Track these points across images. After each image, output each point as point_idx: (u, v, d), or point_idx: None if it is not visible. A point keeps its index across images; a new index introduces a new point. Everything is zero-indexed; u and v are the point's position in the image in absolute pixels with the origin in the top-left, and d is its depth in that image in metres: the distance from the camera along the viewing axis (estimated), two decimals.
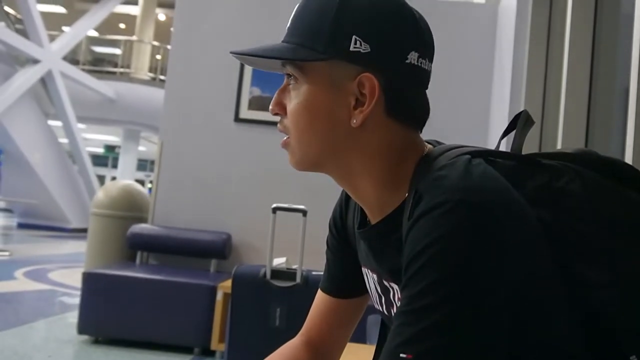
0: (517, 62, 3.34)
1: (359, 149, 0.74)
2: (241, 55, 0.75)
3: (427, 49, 0.76)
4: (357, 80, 0.72)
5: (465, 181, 0.63)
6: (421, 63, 0.75)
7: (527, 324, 0.62)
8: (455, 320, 0.57)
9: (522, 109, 3.23)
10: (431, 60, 0.77)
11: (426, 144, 0.79)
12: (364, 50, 0.71)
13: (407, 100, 0.75)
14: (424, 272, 0.60)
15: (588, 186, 0.70)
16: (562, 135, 2.61)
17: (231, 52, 0.78)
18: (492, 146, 0.85)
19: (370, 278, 0.84)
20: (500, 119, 3.55)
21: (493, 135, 3.72)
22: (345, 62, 0.71)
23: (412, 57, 0.73)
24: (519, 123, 0.79)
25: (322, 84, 0.73)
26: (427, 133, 0.81)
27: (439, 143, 0.80)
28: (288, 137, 0.77)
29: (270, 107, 0.77)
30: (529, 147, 3.20)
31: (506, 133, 0.82)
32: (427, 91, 0.80)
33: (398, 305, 0.75)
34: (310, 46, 0.72)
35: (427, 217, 0.62)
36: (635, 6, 1.88)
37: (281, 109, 0.76)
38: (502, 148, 0.79)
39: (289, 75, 0.75)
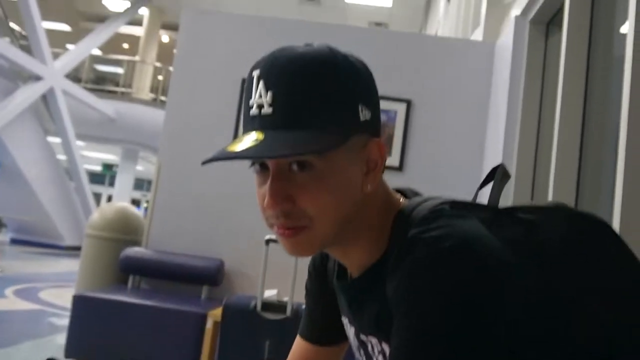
0: (512, 100, 3.39)
1: (365, 213, 0.72)
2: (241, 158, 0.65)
3: None
4: (366, 147, 0.71)
5: (452, 231, 0.63)
6: None
7: None
8: None
9: (516, 144, 3.28)
10: None
11: (398, 194, 0.79)
12: (368, 117, 0.70)
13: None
14: (410, 325, 0.60)
15: (564, 241, 0.71)
16: (554, 173, 2.63)
17: (229, 158, 0.65)
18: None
19: (349, 330, 0.83)
20: (495, 155, 3.57)
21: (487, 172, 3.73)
22: (357, 134, 0.69)
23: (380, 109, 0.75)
24: (496, 176, 0.80)
25: (340, 161, 0.68)
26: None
27: (411, 191, 0.81)
28: (300, 227, 0.69)
29: (278, 204, 0.67)
30: (524, 181, 3.23)
31: (483, 185, 0.83)
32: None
33: (378, 358, 0.75)
34: (329, 128, 0.66)
35: (416, 268, 0.62)
36: (626, 48, 1.92)
37: (289, 200, 0.67)
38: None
39: (300, 164, 0.67)
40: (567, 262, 0.70)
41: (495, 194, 0.78)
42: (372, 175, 0.72)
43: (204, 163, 0.68)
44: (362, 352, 0.80)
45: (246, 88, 0.70)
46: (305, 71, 0.67)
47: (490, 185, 0.81)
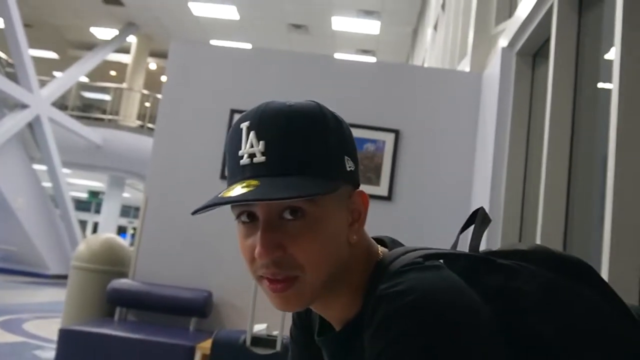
0: (499, 131, 3.41)
1: (348, 265, 0.73)
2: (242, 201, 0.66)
3: None
4: (351, 198, 0.73)
5: (419, 285, 0.64)
6: None
7: None
8: None
9: (504, 176, 3.30)
10: None
11: (378, 245, 0.79)
12: (352, 168, 0.73)
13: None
14: None
15: (543, 286, 0.71)
16: (542, 206, 2.64)
17: (227, 203, 0.66)
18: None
19: None
20: (483, 184, 3.59)
21: (475, 205, 3.74)
22: (344, 184, 0.71)
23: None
24: (477, 220, 0.81)
25: (330, 209, 0.69)
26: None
27: (392, 241, 0.81)
28: (289, 277, 0.68)
29: (269, 253, 0.67)
30: (512, 215, 3.24)
31: (464, 228, 0.84)
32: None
33: None
34: (321, 175, 0.68)
35: (382, 324, 0.63)
36: (613, 78, 1.95)
37: (280, 249, 0.68)
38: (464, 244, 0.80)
39: (292, 211, 0.67)
40: (546, 308, 0.70)
41: (476, 239, 0.79)
42: (357, 226, 0.73)
43: (194, 212, 0.70)
44: None
45: (231, 140, 0.72)
46: (296, 122, 0.69)
47: (471, 229, 0.82)
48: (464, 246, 0.81)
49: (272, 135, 0.68)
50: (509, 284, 0.71)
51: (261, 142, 0.67)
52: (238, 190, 0.66)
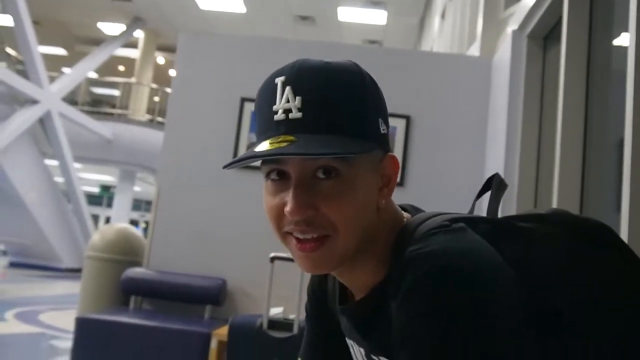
0: (511, 115, 3.40)
1: (376, 230, 0.72)
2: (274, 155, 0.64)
3: None
4: (382, 162, 0.72)
5: (448, 247, 0.64)
6: None
7: None
8: None
9: (517, 160, 3.29)
10: None
11: (402, 211, 0.78)
12: (385, 132, 0.72)
13: None
14: (415, 342, 0.60)
15: (564, 252, 0.71)
16: (557, 187, 2.64)
17: (265, 157, 0.65)
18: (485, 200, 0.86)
19: (356, 351, 0.81)
20: (496, 169, 3.58)
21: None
22: (378, 147, 0.70)
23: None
24: (493, 186, 0.80)
25: (364, 171, 0.68)
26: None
27: (414, 207, 0.80)
28: (321, 237, 0.67)
29: (300, 211, 0.66)
30: (526, 197, 3.23)
31: (480, 195, 0.83)
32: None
33: None
34: (357, 135, 0.67)
35: (413, 288, 0.62)
36: (628, 61, 1.93)
37: (312, 208, 0.66)
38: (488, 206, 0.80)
39: (326, 170, 0.66)
40: (565, 274, 0.70)
41: (494, 204, 0.79)
42: (387, 191, 0.72)
43: (226, 166, 0.68)
44: None
45: (263, 94, 0.70)
46: (334, 80, 0.67)
47: (487, 196, 0.81)
48: (480, 213, 0.80)
49: (310, 91, 0.66)
50: (529, 249, 0.70)
51: (297, 98, 0.66)
52: (271, 144, 0.65)
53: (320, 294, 0.89)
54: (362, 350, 0.79)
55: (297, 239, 0.68)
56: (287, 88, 0.67)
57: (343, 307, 0.79)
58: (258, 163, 0.68)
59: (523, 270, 0.67)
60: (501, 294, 0.62)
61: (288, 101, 0.66)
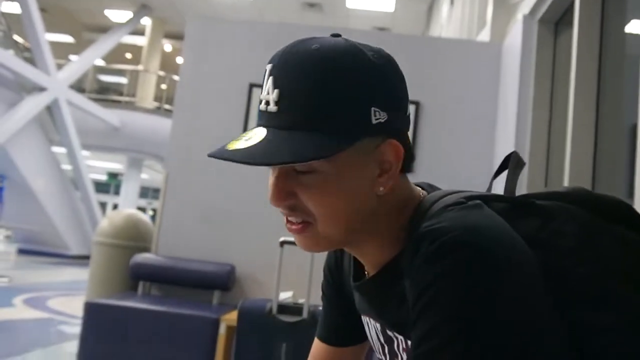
0: (522, 100, 3.38)
1: (379, 214, 0.71)
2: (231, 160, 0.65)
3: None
4: (379, 149, 0.69)
5: (463, 222, 0.63)
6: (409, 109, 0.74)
7: None
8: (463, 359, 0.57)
9: (528, 146, 3.27)
10: None
11: (419, 189, 0.77)
12: (383, 119, 0.67)
13: (411, 151, 0.74)
14: (428, 315, 0.60)
15: (583, 227, 0.70)
16: (568, 174, 2.62)
17: (223, 158, 0.66)
18: (495, 184, 0.85)
19: (372, 327, 0.81)
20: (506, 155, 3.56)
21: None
22: (368, 137, 0.67)
23: (408, 107, 0.73)
24: (510, 165, 0.79)
25: (348, 163, 0.67)
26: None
27: (430, 186, 0.80)
28: (304, 222, 0.69)
29: (280, 201, 0.68)
30: (536, 185, 3.21)
31: (497, 174, 0.82)
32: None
33: (402, 356, 0.74)
34: (331, 131, 0.65)
35: (426, 261, 0.61)
36: None
37: (293, 197, 0.68)
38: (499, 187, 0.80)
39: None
40: (584, 251, 0.69)
41: (511, 183, 0.78)
42: (386, 177, 0.70)
43: (210, 155, 0.70)
44: (386, 349, 0.79)
45: (262, 80, 0.70)
46: (318, 68, 0.65)
47: (504, 175, 0.80)
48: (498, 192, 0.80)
49: (286, 85, 0.65)
50: (548, 226, 0.70)
51: (275, 91, 0.65)
52: (245, 141, 0.66)
53: (336, 272, 0.90)
54: (377, 325, 0.79)
55: (287, 219, 0.71)
56: (270, 78, 0.66)
57: (357, 283, 0.80)
58: None
59: (541, 246, 0.67)
60: (516, 269, 0.62)
61: (268, 93, 0.66)
